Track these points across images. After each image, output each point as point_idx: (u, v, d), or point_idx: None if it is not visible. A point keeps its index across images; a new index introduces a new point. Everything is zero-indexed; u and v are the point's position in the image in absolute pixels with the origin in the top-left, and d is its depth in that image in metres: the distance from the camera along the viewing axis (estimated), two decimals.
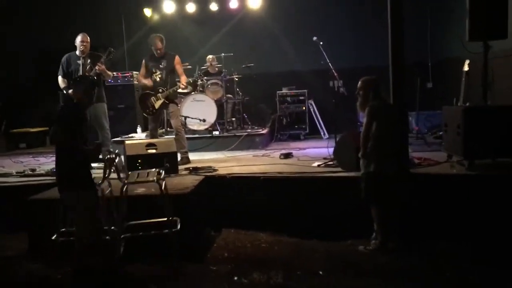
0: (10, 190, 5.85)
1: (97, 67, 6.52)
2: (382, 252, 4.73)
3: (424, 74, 8.53)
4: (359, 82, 4.93)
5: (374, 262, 4.60)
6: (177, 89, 6.92)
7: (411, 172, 5.35)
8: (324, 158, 6.38)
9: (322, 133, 9.27)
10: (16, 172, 6.57)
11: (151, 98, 6.92)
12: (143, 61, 7.09)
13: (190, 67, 8.87)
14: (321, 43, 6.69)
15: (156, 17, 10.60)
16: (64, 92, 6.74)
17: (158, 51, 6.91)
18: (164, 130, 8.78)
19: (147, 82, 6.97)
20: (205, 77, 9.07)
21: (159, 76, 6.92)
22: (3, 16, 10.08)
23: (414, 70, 7.65)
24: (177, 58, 6.98)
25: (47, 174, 6.32)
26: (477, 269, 4.34)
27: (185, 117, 8.23)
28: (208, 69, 9.37)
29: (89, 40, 6.74)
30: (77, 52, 6.70)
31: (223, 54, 9.24)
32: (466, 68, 6.16)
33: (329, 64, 6.67)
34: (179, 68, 6.97)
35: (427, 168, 5.66)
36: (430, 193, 5.18)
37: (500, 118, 5.27)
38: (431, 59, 8.88)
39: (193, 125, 8.42)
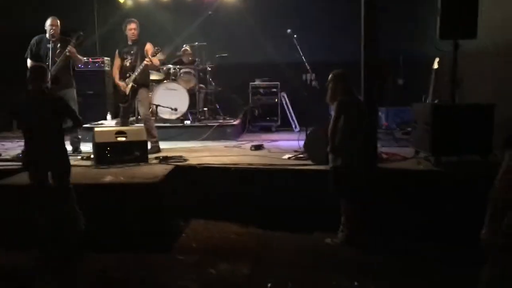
0: None
1: (68, 49, 6.40)
2: (348, 246, 4.80)
3: (396, 70, 8.63)
4: (330, 75, 4.96)
5: (340, 256, 4.67)
6: (142, 67, 6.69)
7: (379, 167, 5.43)
8: (295, 151, 6.41)
9: (293, 126, 9.30)
10: None
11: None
12: (116, 51, 6.95)
13: (163, 57, 8.73)
14: (295, 36, 6.70)
15: (129, 3, 10.42)
16: None
17: (132, 36, 6.78)
18: (135, 118, 8.67)
19: (119, 83, 6.79)
20: (178, 66, 8.99)
21: (129, 61, 6.82)
22: None
23: (386, 66, 7.74)
24: (148, 44, 6.86)
25: (12, 159, 6.18)
26: (442, 269, 4.40)
27: (157, 106, 8.15)
28: (182, 58, 9.28)
29: (59, 24, 6.59)
30: (47, 36, 6.56)
31: (197, 43, 9.16)
32: (435, 66, 6.27)
33: (302, 57, 6.69)
34: (150, 53, 6.84)
35: (394, 163, 5.75)
36: (396, 188, 5.26)
37: (467, 116, 5.39)
38: (403, 55, 8.99)
39: (165, 113, 8.35)
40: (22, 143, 7.68)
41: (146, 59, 6.68)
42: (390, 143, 7.07)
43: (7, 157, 6.38)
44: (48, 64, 6.44)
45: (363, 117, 4.90)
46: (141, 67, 6.70)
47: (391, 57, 8.41)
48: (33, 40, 6.65)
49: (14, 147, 7.46)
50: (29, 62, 6.62)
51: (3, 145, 7.84)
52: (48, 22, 6.53)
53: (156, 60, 6.93)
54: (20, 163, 5.78)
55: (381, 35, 5.44)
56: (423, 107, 5.77)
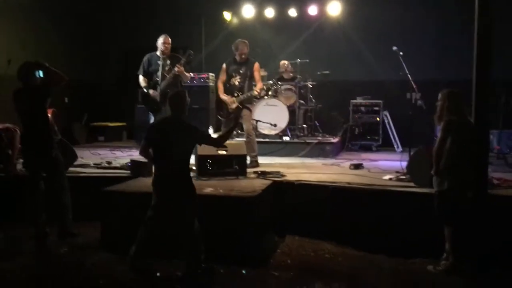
0: (87, 180, 6.13)
1: (176, 69, 6.68)
2: (452, 274, 4.51)
3: (509, 91, 8.07)
4: (439, 94, 4.74)
5: (442, 284, 4.40)
6: (251, 94, 6.93)
7: (489, 193, 5.07)
8: (396, 172, 6.18)
9: (395, 146, 9.00)
10: (94, 164, 6.89)
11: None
12: (223, 65, 7.10)
13: (266, 73, 8.89)
14: (401, 53, 6.50)
15: (235, 21, 10.74)
16: (145, 90, 6.94)
17: (242, 56, 6.93)
18: (235, 132, 8.87)
19: (226, 98, 6.95)
20: (279, 82, 9.09)
21: (238, 80, 6.97)
22: (92, 17, 10.66)
23: (499, 87, 7.28)
24: (256, 64, 6.99)
25: (122, 167, 6.56)
26: None
27: (257, 121, 8.27)
28: (283, 74, 9.39)
29: (170, 42, 6.90)
30: (158, 53, 6.90)
31: (298, 60, 9.19)
32: None
33: (408, 75, 6.46)
34: (257, 74, 6.98)
35: (508, 189, 5.34)
36: (509, 216, 4.88)
37: None
38: None
39: (264, 129, 8.44)
40: (131, 152, 8.26)
41: (257, 90, 6.90)
42: (502, 168, 6.61)
43: (117, 165, 6.79)
44: (158, 80, 6.80)
45: (472, 139, 4.62)
46: (249, 94, 6.89)
47: (504, 77, 7.89)
48: (145, 58, 7.00)
49: (124, 156, 7.95)
50: (140, 78, 6.99)
51: (114, 153, 8.37)
52: (160, 40, 6.86)
53: (262, 92, 7.23)
54: (128, 171, 6.17)
55: (495, 54, 5.10)
56: None
